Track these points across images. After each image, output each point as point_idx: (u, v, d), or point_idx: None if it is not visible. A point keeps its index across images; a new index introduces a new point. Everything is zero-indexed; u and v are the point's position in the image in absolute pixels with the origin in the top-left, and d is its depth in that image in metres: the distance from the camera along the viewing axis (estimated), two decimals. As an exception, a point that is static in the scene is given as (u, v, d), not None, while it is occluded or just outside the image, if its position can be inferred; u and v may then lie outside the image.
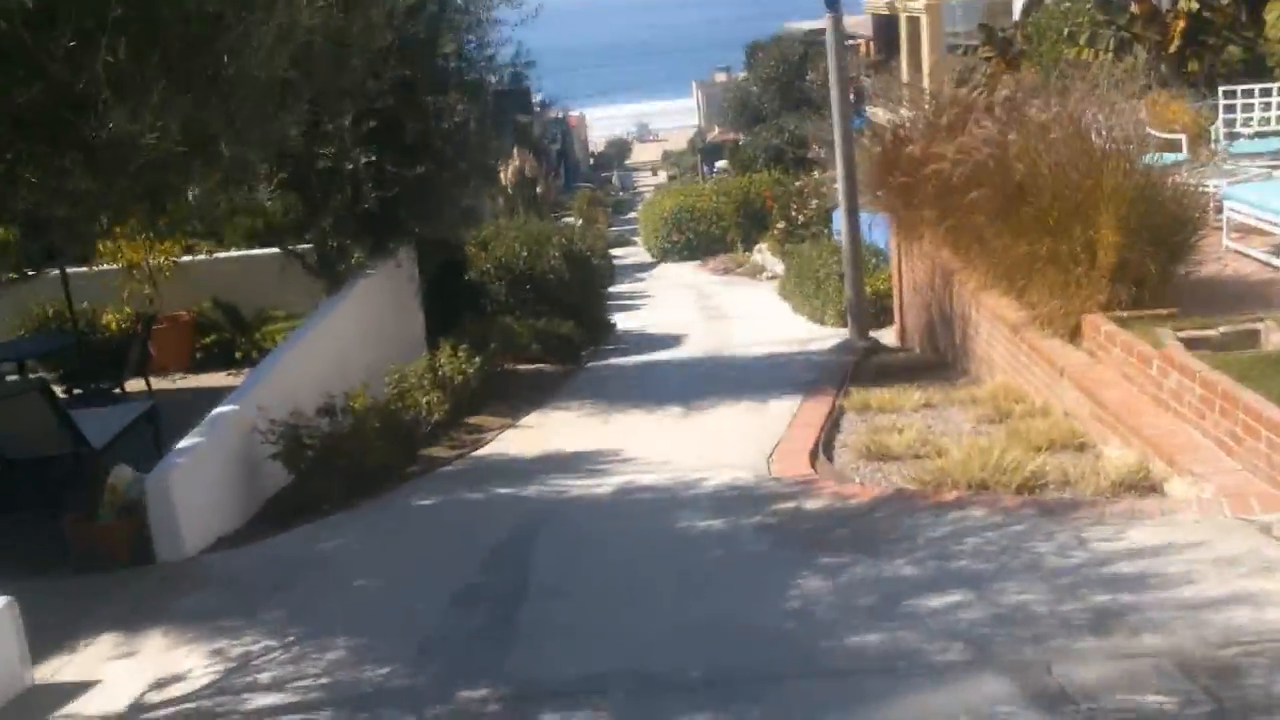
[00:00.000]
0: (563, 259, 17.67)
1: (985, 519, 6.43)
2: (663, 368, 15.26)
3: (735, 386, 12.30)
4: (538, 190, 40.82)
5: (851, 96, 46.24)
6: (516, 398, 12.59)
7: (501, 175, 41.36)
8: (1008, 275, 9.90)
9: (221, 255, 14.66)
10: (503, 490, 8.59)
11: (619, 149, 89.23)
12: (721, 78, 74.12)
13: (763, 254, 31.00)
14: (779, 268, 27.35)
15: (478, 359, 11.82)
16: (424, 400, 10.55)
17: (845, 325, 17.68)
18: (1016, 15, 27.39)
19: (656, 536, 6.97)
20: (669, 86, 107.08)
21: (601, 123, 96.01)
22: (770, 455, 8.83)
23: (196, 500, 7.93)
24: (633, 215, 52.14)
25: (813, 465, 8.41)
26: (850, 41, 52.34)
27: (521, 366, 14.83)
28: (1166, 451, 6.89)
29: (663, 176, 70.38)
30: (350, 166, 10.86)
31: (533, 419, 11.56)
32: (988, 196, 9.67)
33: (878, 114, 17.71)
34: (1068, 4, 20.78)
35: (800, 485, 7.78)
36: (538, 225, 20.95)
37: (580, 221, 41.86)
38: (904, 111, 13.25)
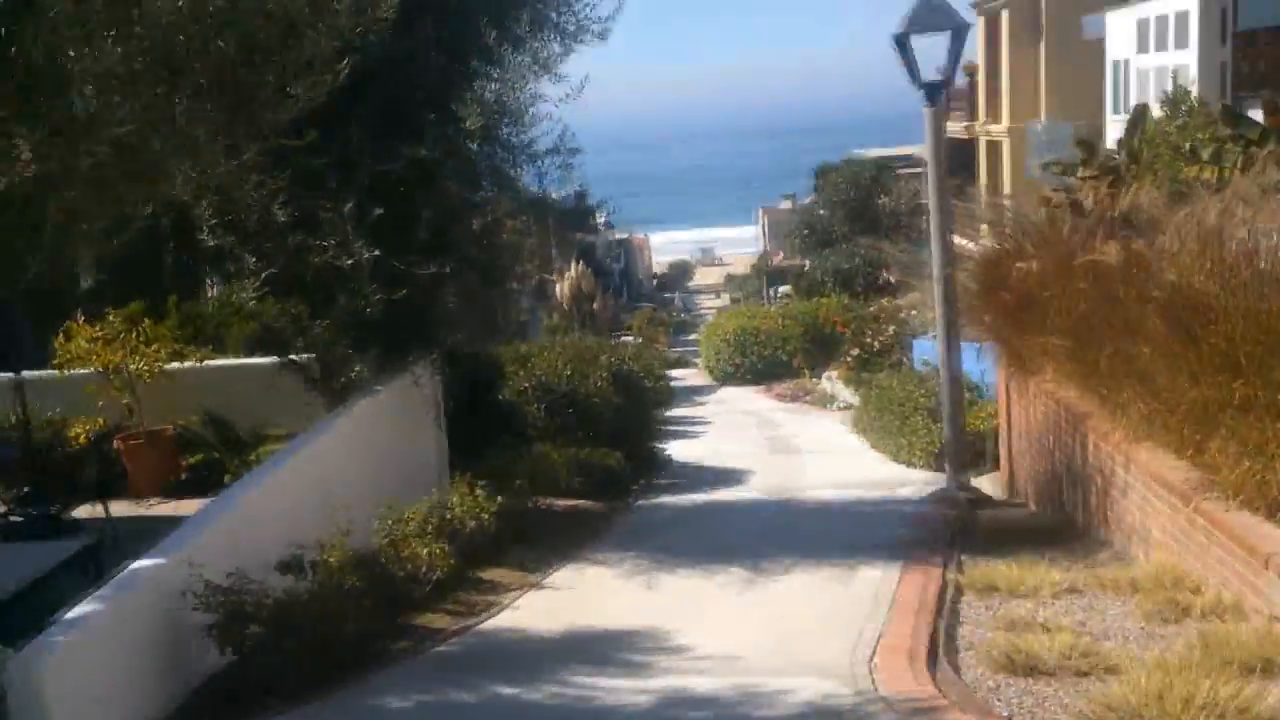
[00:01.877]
0: (611, 379, 15.56)
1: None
2: (723, 512, 12.96)
3: (812, 542, 10.05)
4: (594, 307, 39.08)
5: (921, 220, 44.28)
6: (546, 544, 10.37)
7: (557, 290, 39.79)
8: (1177, 425, 7.64)
9: (213, 363, 12.68)
10: (507, 691, 6.35)
11: (681, 271, 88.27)
12: (786, 204, 73.06)
13: (832, 382, 28.77)
14: (850, 397, 25.11)
15: (499, 499, 9.68)
16: (424, 551, 8.37)
17: (935, 468, 15.45)
18: (1110, 139, 25.47)
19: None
20: (732, 214, 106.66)
21: (664, 246, 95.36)
22: (870, 656, 6.56)
23: (86, 690, 5.82)
24: (693, 336, 50.27)
25: (932, 678, 6.11)
26: (920, 168, 50.89)
27: (558, 503, 12.65)
28: None
29: (725, 299, 68.81)
30: (350, 261, 8.88)
31: (562, 576, 9.33)
32: (1156, 322, 7.48)
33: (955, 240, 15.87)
34: (1184, 120, 18.76)
35: (921, 714, 5.48)
36: (586, 342, 18.90)
37: (639, 340, 39.98)
38: (987, 235, 11.37)
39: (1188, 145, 16.79)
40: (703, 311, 66.73)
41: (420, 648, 7.38)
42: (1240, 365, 7.05)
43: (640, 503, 13.55)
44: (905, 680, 6.06)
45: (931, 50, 11.11)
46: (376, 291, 9.38)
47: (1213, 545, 7.14)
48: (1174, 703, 5.16)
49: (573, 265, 39.94)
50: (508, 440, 13.12)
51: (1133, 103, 24.78)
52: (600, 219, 56.40)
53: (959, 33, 10.99)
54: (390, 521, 8.56)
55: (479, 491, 9.66)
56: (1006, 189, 33.17)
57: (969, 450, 13.80)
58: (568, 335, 25.72)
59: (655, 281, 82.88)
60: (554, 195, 11.88)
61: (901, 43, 10.87)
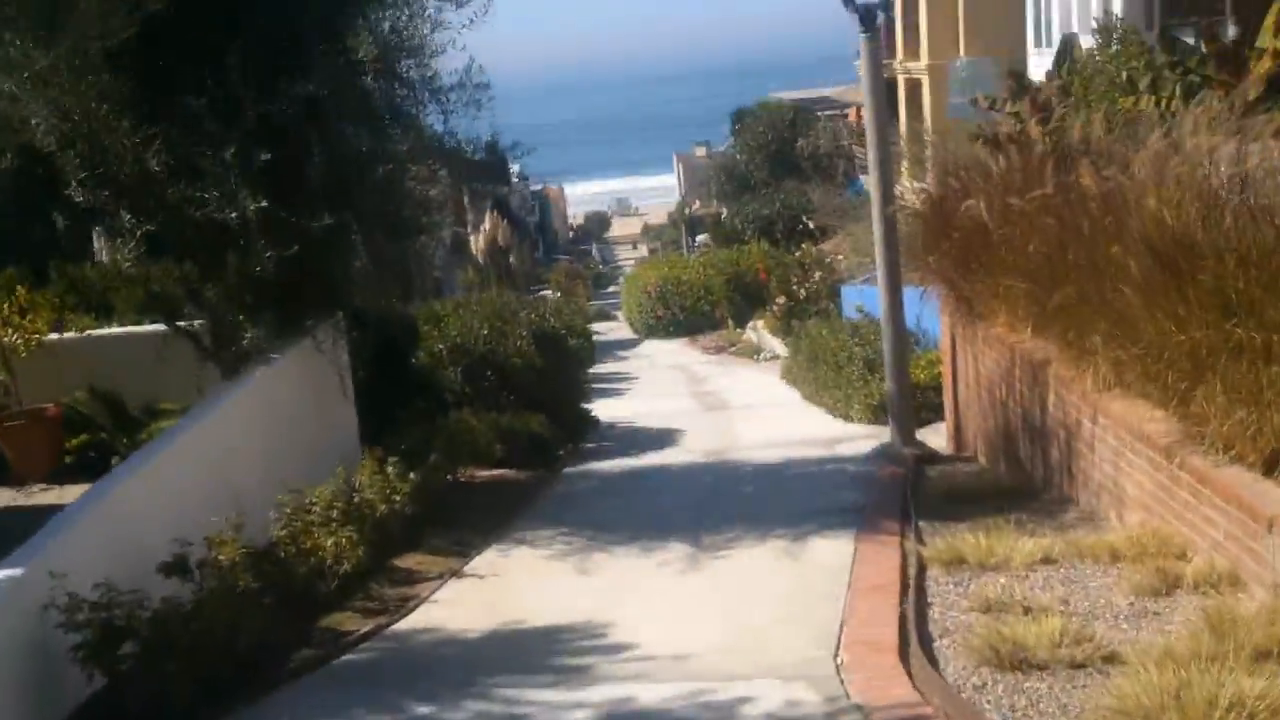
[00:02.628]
0: (532, 339, 14.65)
1: None
2: (658, 478, 12.14)
3: (756, 510, 9.32)
4: (510, 260, 38.00)
5: (842, 164, 43.47)
6: (467, 523, 9.49)
7: (473, 243, 38.65)
8: (1161, 373, 6.96)
9: (98, 333, 11.55)
10: (423, 711, 5.51)
11: (598, 222, 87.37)
12: (701, 152, 72.38)
13: (758, 332, 28.07)
14: (779, 348, 24.43)
15: (413, 475, 8.79)
16: (329, 542, 7.47)
17: (874, 421, 14.79)
18: (1032, 73, 24.90)
19: None
20: (648, 163, 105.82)
21: (580, 198, 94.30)
22: (836, 650, 5.82)
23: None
24: (613, 289, 49.41)
25: (909, 676, 5.37)
26: (839, 111, 50.24)
27: (480, 474, 11.78)
28: None
29: (643, 250, 68.08)
30: (235, 215, 7.88)
31: (486, 560, 8.47)
32: (1138, 259, 6.78)
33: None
34: (1116, 47, 18.14)
35: (905, 726, 4.75)
36: (503, 299, 17.91)
37: (558, 295, 39.01)
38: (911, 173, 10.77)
39: (1124, 75, 16.15)
40: (621, 263, 65.97)
41: (326, 656, 6.49)
42: (1232, 305, 6.39)
43: (568, 470, 12.70)
44: (880, 681, 5.32)
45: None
46: (268, 248, 8.39)
47: (1201, 504, 6.49)
48: (1196, 704, 4.48)
49: (488, 217, 38.77)
50: (423, 408, 12.17)
51: (1055, 35, 24.26)
52: (514, 166, 55.16)
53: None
54: (289, 509, 7.61)
55: (390, 469, 8.76)
56: (929, 128, 32.64)
57: (911, 402, 13.15)
58: (485, 291, 24.66)
59: (572, 234, 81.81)
60: (462, 139, 10.96)
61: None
